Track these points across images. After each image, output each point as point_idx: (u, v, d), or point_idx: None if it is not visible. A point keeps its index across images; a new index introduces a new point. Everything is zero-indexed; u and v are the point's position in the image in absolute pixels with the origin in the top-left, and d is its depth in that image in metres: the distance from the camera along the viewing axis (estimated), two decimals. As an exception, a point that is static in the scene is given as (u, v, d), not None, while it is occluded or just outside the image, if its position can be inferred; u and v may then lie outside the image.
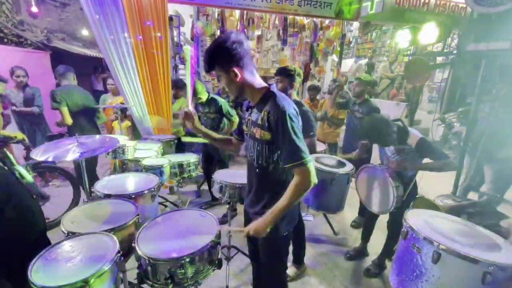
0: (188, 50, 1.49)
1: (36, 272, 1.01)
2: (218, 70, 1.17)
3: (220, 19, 4.78)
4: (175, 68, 4.62)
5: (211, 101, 3.05)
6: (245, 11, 4.72)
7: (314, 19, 4.94)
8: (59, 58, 6.41)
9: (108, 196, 1.72)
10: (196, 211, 1.56)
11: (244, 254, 2.33)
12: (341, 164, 2.61)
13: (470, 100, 3.23)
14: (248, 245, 1.65)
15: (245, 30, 4.91)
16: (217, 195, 2.09)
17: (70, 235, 1.28)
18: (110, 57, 3.21)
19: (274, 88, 1.23)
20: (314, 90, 4.29)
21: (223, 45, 1.11)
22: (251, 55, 1.20)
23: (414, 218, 1.47)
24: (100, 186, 1.88)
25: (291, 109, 1.15)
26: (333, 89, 3.75)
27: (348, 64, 8.19)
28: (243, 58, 1.14)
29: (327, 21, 5.26)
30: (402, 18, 4.54)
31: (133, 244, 1.23)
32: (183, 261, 1.13)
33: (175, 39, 4.59)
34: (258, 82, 1.22)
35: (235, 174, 2.16)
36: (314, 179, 1.13)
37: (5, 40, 6.33)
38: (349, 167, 2.46)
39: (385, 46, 7.79)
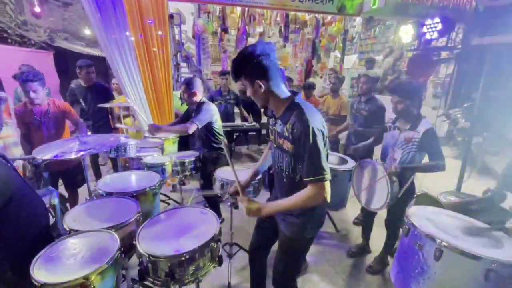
0: None
1: (39, 269, 1.02)
2: (243, 80, 1.20)
3: (222, 16, 4.77)
4: (177, 66, 4.63)
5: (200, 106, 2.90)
6: (246, 8, 4.69)
7: (316, 15, 4.90)
8: (62, 57, 6.46)
9: (110, 194, 1.73)
10: (197, 208, 1.57)
11: (247, 251, 2.33)
12: (343, 161, 2.60)
13: (475, 95, 3.18)
14: (256, 238, 1.65)
15: (246, 27, 4.89)
16: (218, 192, 2.09)
17: (72, 232, 1.29)
18: (112, 56, 3.22)
19: (299, 99, 1.22)
20: (309, 88, 4.22)
21: (249, 57, 1.12)
22: (278, 67, 1.20)
23: (416, 215, 1.46)
24: (102, 184, 1.90)
25: (316, 122, 1.14)
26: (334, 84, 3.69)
27: (351, 60, 8.12)
28: (269, 71, 1.15)
29: (329, 17, 5.21)
30: (406, 13, 4.48)
31: (134, 242, 1.24)
32: (183, 258, 1.14)
33: (176, 37, 4.59)
34: (284, 93, 1.22)
35: (236, 172, 2.15)
36: (328, 197, 1.15)
37: (9, 40, 6.39)
38: (351, 164, 2.44)
39: (389, 41, 7.69)
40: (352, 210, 3.15)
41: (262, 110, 1.40)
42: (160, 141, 3.02)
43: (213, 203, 2.76)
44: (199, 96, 2.60)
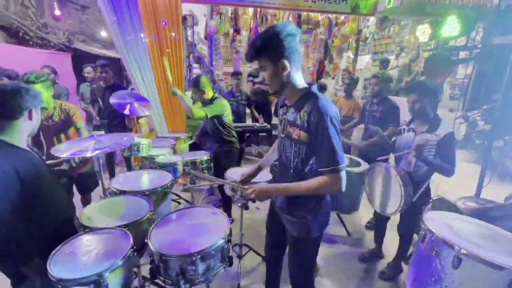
0: None
1: (55, 264, 1.05)
2: (265, 60, 1.14)
3: (234, 17, 4.79)
4: (189, 67, 4.69)
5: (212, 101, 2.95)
6: (258, 9, 4.70)
7: (329, 15, 4.85)
8: (79, 59, 6.67)
9: (123, 192, 1.76)
10: (207, 208, 1.57)
11: (256, 252, 2.33)
12: (355, 163, 2.54)
13: (496, 97, 3.04)
14: (269, 239, 1.64)
15: (258, 28, 4.89)
16: (229, 193, 2.09)
17: (87, 229, 1.32)
18: (127, 57, 3.30)
19: (315, 89, 1.20)
20: (321, 89, 4.16)
21: (276, 36, 1.07)
22: (300, 52, 1.18)
23: (432, 219, 1.40)
24: (116, 183, 1.93)
25: (333, 112, 1.12)
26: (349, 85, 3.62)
27: (364, 60, 7.97)
28: (294, 53, 1.12)
29: (342, 17, 5.14)
30: (423, 12, 4.35)
31: (146, 240, 1.26)
32: (193, 258, 1.14)
33: (189, 38, 4.65)
34: (301, 81, 1.20)
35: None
36: (343, 187, 1.13)
37: (31, 42, 6.67)
38: (364, 166, 2.39)
39: (404, 41, 7.51)
40: (364, 213, 3.08)
41: (273, 111, 1.40)
42: (172, 141, 3.05)
43: (226, 203, 2.77)
44: (209, 93, 2.67)
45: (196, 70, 5.22)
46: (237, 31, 5.11)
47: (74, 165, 1.62)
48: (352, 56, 5.77)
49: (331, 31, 5.14)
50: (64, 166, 1.62)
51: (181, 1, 3.44)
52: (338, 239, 2.77)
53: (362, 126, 3.39)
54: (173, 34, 3.47)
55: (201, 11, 5.33)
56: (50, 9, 7.74)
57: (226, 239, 1.27)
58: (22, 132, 1.24)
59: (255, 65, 5.33)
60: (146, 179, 2.06)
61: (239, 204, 2.09)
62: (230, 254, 1.32)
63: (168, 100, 3.63)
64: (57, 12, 7.65)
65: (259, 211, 3.18)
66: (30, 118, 1.25)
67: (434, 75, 3.67)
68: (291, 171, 1.27)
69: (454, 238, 1.24)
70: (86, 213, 1.49)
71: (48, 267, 1.03)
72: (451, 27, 2.85)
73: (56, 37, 7.66)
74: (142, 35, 3.32)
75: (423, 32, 3.84)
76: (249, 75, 4.54)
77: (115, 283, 1.06)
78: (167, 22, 3.40)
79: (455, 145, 1.83)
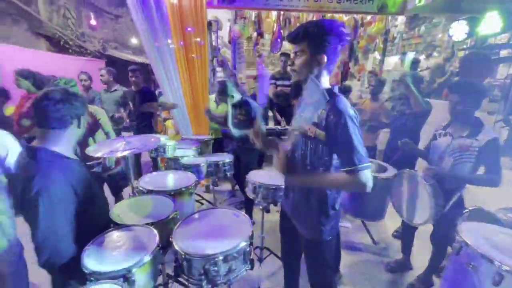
0: None
1: (88, 257, 1.12)
2: (306, 46, 1.14)
3: (257, 21, 4.84)
4: (213, 70, 4.80)
5: (242, 103, 3.04)
6: (281, 12, 4.70)
7: (355, 15, 4.72)
8: (112, 64, 7.12)
9: (150, 191, 1.84)
10: (230, 210, 1.59)
11: (277, 256, 2.31)
12: (381, 169, 2.44)
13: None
14: (283, 242, 1.63)
15: (281, 31, 4.89)
16: (250, 195, 2.10)
17: (117, 226, 1.39)
18: (155, 62, 3.46)
19: (335, 89, 1.20)
20: (346, 91, 3.97)
21: (330, 30, 1.09)
22: (337, 60, 1.20)
23: (469, 231, 1.30)
24: (143, 182, 2.02)
25: (351, 111, 1.12)
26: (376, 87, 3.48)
27: (392, 61, 7.64)
28: (333, 55, 1.14)
29: (368, 17, 4.98)
30: (458, 8, 4.08)
31: (170, 239, 1.30)
32: (216, 259, 1.16)
33: (213, 43, 4.76)
34: (326, 83, 1.21)
35: (269, 175, 2.15)
36: (369, 186, 1.09)
37: (70, 50, 7.24)
38: (391, 172, 2.28)
39: (436, 40, 7.08)
40: (391, 221, 2.94)
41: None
42: (196, 143, 3.14)
43: (248, 205, 2.79)
44: (237, 97, 2.79)
45: (220, 73, 5.34)
46: (260, 34, 5.15)
47: (108, 166, 1.70)
48: (378, 57, 5.56)
49: (356, 31, 5.00)
50: (97, 169, 1.71)
51: (206, 8, 3.54)
52: (363, 247, 2.67)
53: (388, 130, 3.25)
54: (199, 39, 3.58)
55: (225, 16, 5.44)
56: (87, 19, 8.35)
57: (249, 242, 1.27)
58: (72, 141, 1.26)
59: (278, 67, 5.31)
60: (171, 180, 2.14)
61: (261, 207, 2.10)
62: (251, 257, 1.33)
63: (193, 103, 3.74)
64: (93, 22, 8.24)
65: (280, 214, 3.16)
66: (79, 125, 1.25)
67: (471, 75, 3.42)
68: (307, 167, 1.25)
69: (494, 252, 1.14)
70: (116, 211, 1.57)
71: (82, 259, 1.10)
72: (491, 23, 2.63)
73: (92, 45, 8.25)
74: (169, 41, 3.46)
75: (458, 29, 3.59)
76: (271, 78, 4.54)
77: (142, 278, 1.11)
78: (193, 28, 3.51)
79: (499, 152, 1.68)
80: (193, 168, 2.47)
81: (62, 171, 1.14)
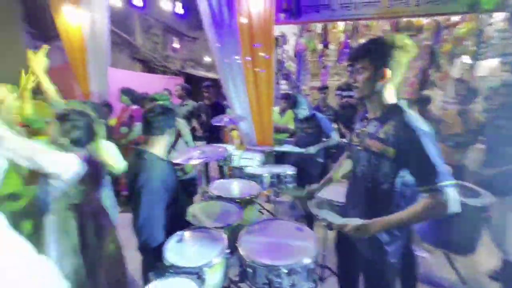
0: None
1: (170, 251, 1.28)
2: (367, 62, 1.14)
3: (323, 33, 4.81)
4: (277, 83, 4.95)
5: (311, 116, 3.04)
6: (349, 22, 4.56)
7: (436, 17, 4.22)
8: (189, 81, 8.08)
9: (219, 197, 1.99)
10: (293, 223, 1.59)
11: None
12: (471, 193, 2.06)
13: None
14: (340, 261, 1.54)
15: (349, 40, 4.73)
16: (314, 211, 2.05)
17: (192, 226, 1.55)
18: (224, 77, 3.78)
19: (403, 104, 1.15)
20: (424, 102, 3.44)
21: (390, 44, 1.09)
22: (403, 72, 1.17)
23: None
24: (213, 188, 2.20)
25: (424, 126, 1.05)
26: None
27: (487, 66, 6.44)
28: (398, 69, 1.13)
29: (455, 17, 4.38)
30: None
31: (236, 244, 1.38)
32: (280, 270, 1.17)
33: (279, 56, 4.93)
34: (392, 97, 1.17)
35: (334, 191, 2.07)
36: (455, 207, 0.97)
37: (157, 71, 8.53)
38: (485, 198, 1.90)
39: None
40: (486, 257, 2.42)
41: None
42: (260, 153, 3.26)
43: (309, 219, 2.74)
44: (305, 109, 2.93)
45: (283, 86, 5.46)
46: (326, 46, 5.09)
47: (187, 171, 1.96)
48: (468, 62, 4.78)
49: (439, 34, 4.44)
50: (179, 173, 1.98)
51: (274, 24, 3.71)
52: (447, 285, 2.27)
53: (481, 146, 2.73)
54: (265, 54, 3.75)
55: (291, 30, 5.59)
56: (171, 43, 9.73)
57: (314, 259, 1.25)
58: (165, 145, 1.54)
59: (344, 78, 5.12)
60: (236, 187, 2.26)
61: (324, 223, 2.02)
62: (314, 275, 1.29)
63: (258, 115, 3.91)
64: (176, 45, 9.54)
65: (344, 233, 2.96)
66: (171, 134, 1.54)
67: None
68: (369, 185, 1.18)
69: None
70: (191, 211, 1.75)
71: (164, 252, 1.26)
72: None
73: (173, 65, 9.55)
74: (237, 57, 3.75)
75: None
76: (337, 89, 4.40)
77: (211, 278, 1.20)
78: (260, 44, 3.71)
79: None
80: (257, 178, 2.55)
81: (158, 169, 1.42)
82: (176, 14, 8.40)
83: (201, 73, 9.97)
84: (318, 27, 4.96)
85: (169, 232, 1.42)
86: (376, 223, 1.09)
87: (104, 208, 1.54)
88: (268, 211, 3.41)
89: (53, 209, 1.30)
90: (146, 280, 1.45)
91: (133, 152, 1.53)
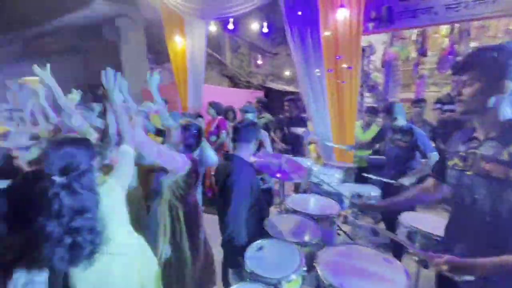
0: None
1: (250, 258, 1.34)
2: (477, 75, 0.99)
3: (420, 39, 4.26)
4: (361, 95, 4.63)
5: (407, 129, 2.68)
6: (456, 25, 3.90)
7: None
8: (269, 94, 8.48)
9: (295, 211, 1.97)
10: (379, 253, 1.43)
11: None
12: None
13: None
14: None
15: (456, 45, 4.03)
16: (404, 243, 1.79)
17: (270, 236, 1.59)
18: (305, 90, 3.77)
19: None
20: None
21: (506, 53, 0.95)
22: None
23: None
24: (289, 201, 2.20)
25: None
26: None
27: None
28: None
29: None
30: None
31: (314, 263, 1.33)
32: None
33: (364, 67, 4.63)
34: (508, 112, 0.99)
35: (428, 220, 1.77)
36: None
37: (241, 85, 9.33)
38: None
39: None
40: None
41: None
42: (339, 170, 3.09)
43: (397, 251, 2.41)
44: (402, 121, 2.63)
45: (368, 99, 5.07)
46: (423, 53, 4.49)
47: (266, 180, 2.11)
48: None
49: None
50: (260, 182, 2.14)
51: (361, 34, 3.52)
52: None
53: None
54: (349, 65, 3.57)
55: (380, 39, 5.19)
56: (255, 60, 10.49)
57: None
58: (250, 153, 1.74)
59: (444, 90, 4.38)
60: (313, 203, 2.20)
61: (416, 259, 1.73)
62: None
63: (339, 128, 3.74)
64: (260, 62, 10.22)
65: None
66: (255, 143, 1.74)
67: None
68: (487, 217, 0.98)
69: None
70: (267, 223, 1.80)
71: (245, 258, 1.33)
72: None
73: (256, 80, 10.22)
74: (318, 69, 3.69)
75: None
76: (437, 101, 3.79)
77: (288, 293, 1.19)
78: (346, 55, 3.56)
79: None
80: (335, 196, 2.42)
81: (246, 172, 1.61)
82: (262, 33, 9.05)
83: (281, 86, 10.31)
84: (414, 33, 4.42)
85: (249, 232, 1.55)
86: (480, 264, 0.89)
87: (197, 201, 1.87)
88: (345, 232, 3.17)
89: (164, 198, 1.66)
90: (225, 274, 1.76)
91: (224, 156, 1.79)
